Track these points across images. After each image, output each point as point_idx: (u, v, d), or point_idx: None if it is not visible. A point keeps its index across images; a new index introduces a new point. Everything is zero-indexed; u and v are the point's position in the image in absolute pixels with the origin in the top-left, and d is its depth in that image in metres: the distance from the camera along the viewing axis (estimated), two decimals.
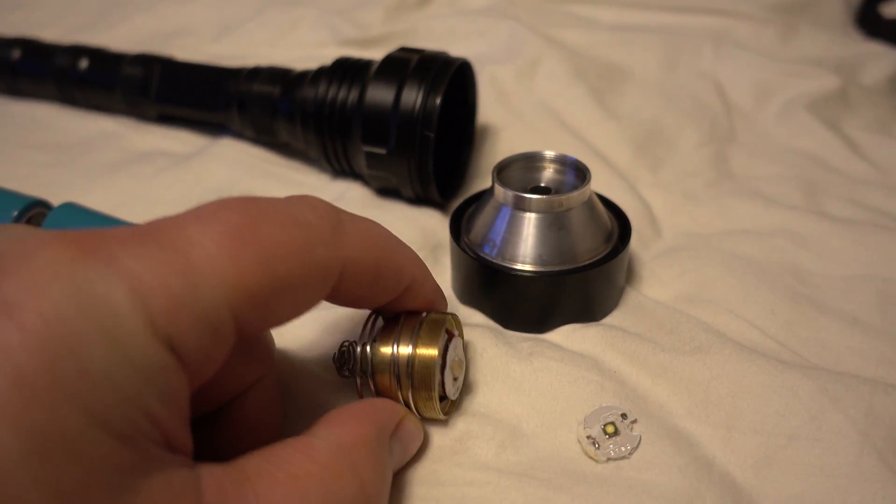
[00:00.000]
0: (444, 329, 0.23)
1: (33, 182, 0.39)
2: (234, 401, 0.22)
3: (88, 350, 0.14)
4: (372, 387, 0.23)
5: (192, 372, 0.16)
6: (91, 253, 0.15)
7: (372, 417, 0.21)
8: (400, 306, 0.24)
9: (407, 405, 0.23)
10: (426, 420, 0.24)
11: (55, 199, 0.34)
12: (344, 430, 0.20)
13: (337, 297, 0.21)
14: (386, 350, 0.23)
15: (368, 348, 0.23)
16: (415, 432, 0.23)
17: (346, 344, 0.24)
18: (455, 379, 0.24)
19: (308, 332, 0.28)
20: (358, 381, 0.23)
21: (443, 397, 0.23)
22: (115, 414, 0.14)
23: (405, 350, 0.22)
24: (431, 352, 0.22)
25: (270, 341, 0.24)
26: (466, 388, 0.25)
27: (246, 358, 0.22)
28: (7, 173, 0.40)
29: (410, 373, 0.22)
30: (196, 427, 0.20)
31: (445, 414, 0.24)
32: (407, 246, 0.23)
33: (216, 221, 0.17)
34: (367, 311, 0.25)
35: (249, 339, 0.22)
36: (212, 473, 0.16)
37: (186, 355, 0.16)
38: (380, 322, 0.24)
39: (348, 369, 0.23)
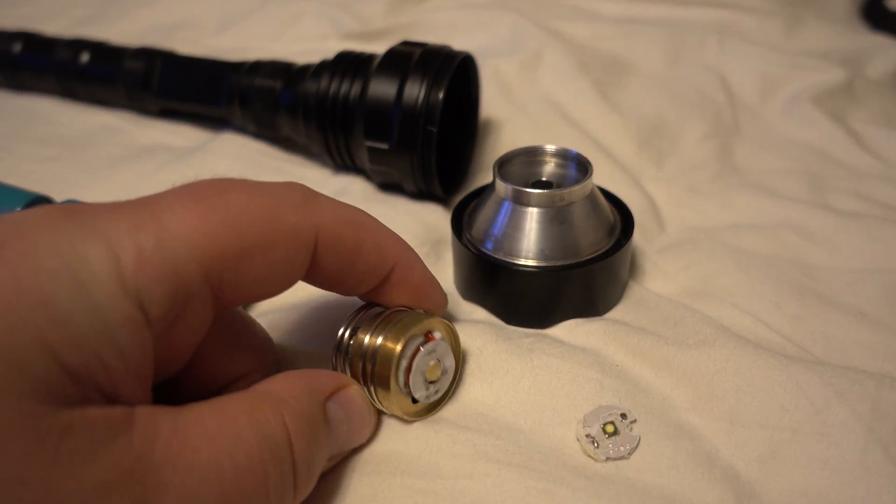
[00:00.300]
0: (418, 327, 0.23)
1: (36, 177, 0.39)
2: (225, 389, 0.22)
3: (55, 288, 0.15)
4: (348, 372, 0.23)
5: (160, 330, 0.17)
6: (75, 216, 0.17)
7: (305, 378, 0.21)
8: (390, 294, 0.24)
9: (372, 398, 0.23)
10: (396, 417, 0.24)
11: (57, 195, 0.34)
12: (273, 383, 0.20)
13: (318, 275, 0.22)
14: (361, 337, 0.23)
15: (347, 333, 0.23)
16: (358, 401, 0.22)
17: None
18: (431, 383, 0.23)
19: (322, 327, 0.28)
20: (340, 365, 0.23)
21: (414, 399, 0.23)
22: (68, 348, 0.15)
23: (373, 340, 0.23)
24: (392, 346, 0.22)
25: (267, 337, 0.25)
26: (464, 385, 0.25)
27: (237, 346, 0.23)
28: (9, 168, 0.40)
29: (372, 365, 0.22)
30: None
31: (414, 416, 0.23)
32: (390, 230, 0.23)
33: (188, 191, 0.19)
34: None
35: (234, 332, 0.23)
36: (149, 412, 0.17)
37: (154, 311, 0.17)
38: (372, 312, 0.24)
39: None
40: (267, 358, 0.24)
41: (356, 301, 0.25)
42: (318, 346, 0.27)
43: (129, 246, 0.17)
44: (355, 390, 0.22)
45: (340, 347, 0.23)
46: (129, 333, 0.16)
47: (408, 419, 0.23)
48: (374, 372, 0.22)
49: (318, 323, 0.28)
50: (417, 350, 0.23)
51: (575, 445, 0.23)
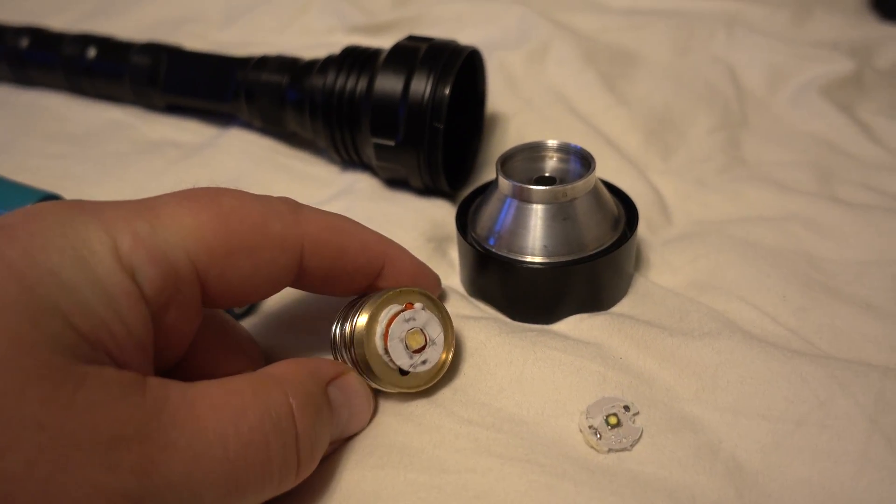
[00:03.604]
0: (392, 295, 0.24)
1: (45, 174, 0.39)
2: None
3: (61, 261, 0.17)
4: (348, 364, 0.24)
5: (155, 309, 0.19)
6: (78, 206, 0.19)
7: (307, 364, 0.22)
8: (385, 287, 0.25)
9: (364, 377, 0.24)
10: (391, 393, 0.24)
11: (67, 192, 0.34)
12: (276, 367, 0.22)
13: (309, 280, 0.23)
14: (345, 326, 0.24)
15: (338, 329, 0.24)
16: (356, 386, 0.23)
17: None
18: (417, 351, 0.24)
19: (318, 327, 0.28)
20: (338, 359, 0.24)
21: (403, 371, 0.24)
22: (77, 314, 0.17)
23: (348, 325, 0.24)
24: (361, 320, 0.23)
25: (255, 342, 0.26)
26: (467, 377, 0.25)
27: (228, 347, 0.24)
28: (19, 164, 0.41)
29: (351, 343, 0.23)
30: None
31: (408, 388, 0.24)
32: (374, 231, 0.25)
33: (184, 193, 0.21)
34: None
35: (227, 333, 0.24)
36: (159, 381, 0.18)
37: (147, 289, 0.18)
38: (355, 302, 0.25)
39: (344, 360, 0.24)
40: (256, 360, 0.25)
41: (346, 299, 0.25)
42: (311, 344, 0.27)
43: (125, 230, 0.18)
44: (354, 376, 0.23)
45: (333, 342, 0.24)
46: (129, 305, 0.18)
47: (405, 391, 0.24)
48: (352, 342, 0.23)
49: (313, 322, 0.28)
50: (394, 318, 0.23)
51: (578, 437, 0.23)
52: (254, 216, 0.21)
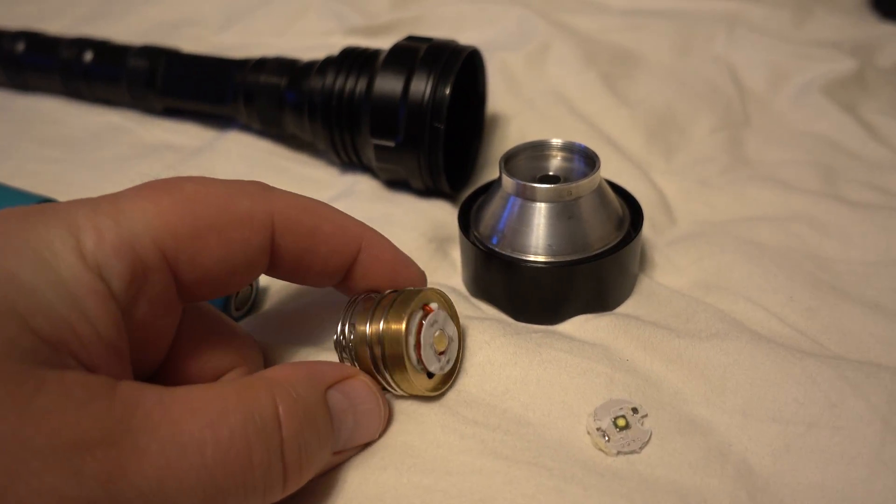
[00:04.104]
0: (415, 302, 0.23)
1: (42, 178, 0.39)
2: None
3: (20, 264, 0.17)
4: (355, 366, 0.23)
5: (125, 303, 0.18)
6: (40, 210, 0.18)
7: (306, 366, 0.21)
8: (364, 278, 0.24)
9: (389, 384, 0.23)
10: (415, 397, 0.24)
11: (64, 197, 0.34)
12: (271, 370, 0.21)
13: (281, 264, 0.22)
14: (361, 329, 0.23)
15: (347, 328, 0.23)
16: (363, 391, 0.22)
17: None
18: (441, 353, 0.23)
19: (314, 326, 0.28)
20: (346, 360, 0.23)
21: (429, 373, 0.23)
22: (37, 315, 0.16)
23: (376, 327, 0.23)
24: (397, 326, 0.22)
25: (249, 338, 0.25)
26: (472, 378, 0.25)
27: (215, 343, 0.23)
28: (15, 169, 0.40)
29: (382, 350, 0.22)
30: None
31: (434, 390, 0.23)
32: (350, 216, 0.24)
33: (147, 185, 0.20)
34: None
35: (213, 330, 0.23)
36: (132, 384, 0.17)
37: (115, 284, 0.18)
38: (363, 302, 0.24)
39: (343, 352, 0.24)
40: (250, 354, 0.24)
41: (345, 298, 0.25)
42: (312, 344, 0.27)
43: (88, 226, 0.18)
44: (362, 381, 0.22)
45: (341, 343, 0.23)
46: (96, 304, 0.17)
47: (429, 394, 0.23)
48: (385, 355, 0.22)
49: (309, 322, 0.28)
50: (420, 325, 0.23)
51: (585, 439, 0.23)
52: (218, 197, 0.20)
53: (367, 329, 0.23)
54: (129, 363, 0.19)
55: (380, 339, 0.22)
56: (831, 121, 0.41)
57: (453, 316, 0.25)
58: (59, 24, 0.56)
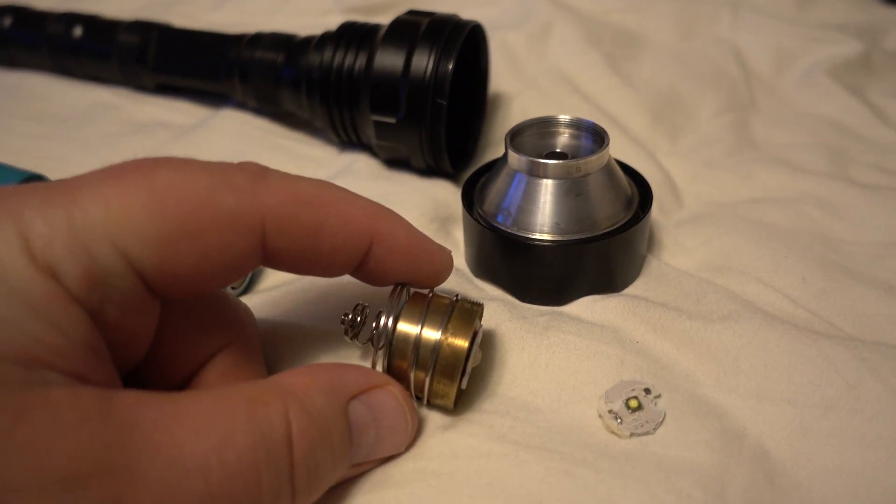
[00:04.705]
0: (477, 320, 0.22)
1: (30, 155, 0.38)
2: (203, 370, 0.21)
3: None
4: (384, 361, 0.22)
5: (89, 306, 0.16)
6: None
7: (327, 372, 0.19)
8: (383, 269, 0.21)
9: (418, 389, 0.22)
10: (433, 407, 0.23)
11: (51, 174, 0.33)
12: (289, 375, 0.18)
13: (279, 261, 0.19)
14: (410, 329, 0.21)
15: (391, 321, 0.21)
16: (391, 403, 0.20)
17: (360, 306, 0.22)
18: (472, 369, 0.22)
19: (324, 301, 0.27)
20: (374, 351, 0.22)
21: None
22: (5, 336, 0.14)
23: (432, 335, 0.21)
24: (462, 343, 0.21)
25: (241, 307, 0.23)
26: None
27: (203, 326, 0.21)
28: (2, 145, 0.39)
29: (435, 359, 0.21)
30: None
31: (455, 401, 0.22)
32: (362, 199, 0.21)
33: (112, 170, 0.17)
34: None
35: (198, 309, 0.21)
36: (130, 397, 0.16)
37: (73, 287, 0.16)
38: (405, 295, 0.22)
39: (355, 334, 0.22)
40: (244, 330, 0.22)
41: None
42: (316, 320, 0.26)
43: (38, 222, 0.16)
44: (390, 392, 0.20)
45: (381, 336, 0.21)
46: (58, 308, 0.15)
47: (452, 408, 0.22)
48: (437, 365, 0.21)
49: (313, 298, 0.27)
50: (472, 348, 0.22)
51: (597, 422, 0.22)
52: (197, 192, 0.17)
53: (420, 332, 0.21)
54: (112, 366, 0.17)
55: (436, 348, 0.21)
56: (838, 103, 0.41)
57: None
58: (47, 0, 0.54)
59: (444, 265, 0.23)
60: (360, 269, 0.21)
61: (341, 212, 0.20)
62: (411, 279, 0.22)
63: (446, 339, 0.21)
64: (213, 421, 0.16)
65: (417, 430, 0.22)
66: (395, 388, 0.20)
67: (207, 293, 0.20)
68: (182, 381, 0.21)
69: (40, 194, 0.16)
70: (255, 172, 0.19)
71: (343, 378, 0.19)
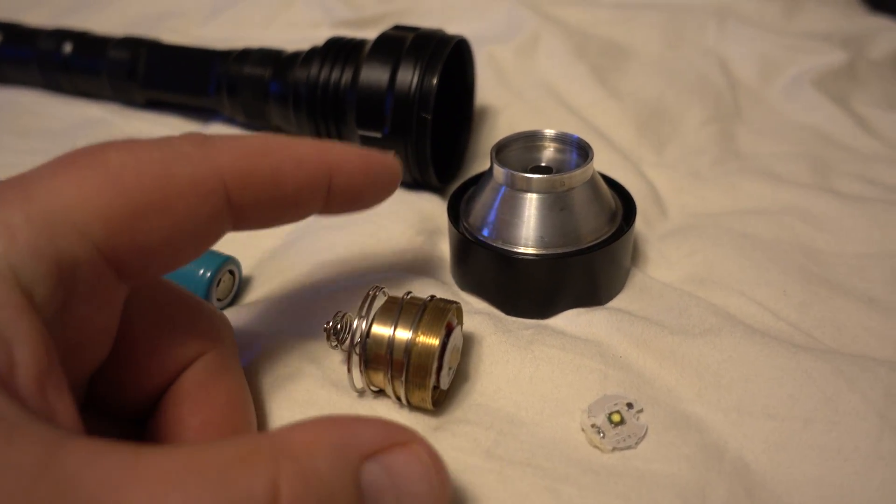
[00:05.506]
0: (448, 318, 0.22)
1: (18, 170, 0.37)
2: (177, 381, 0.20)
3: None
4: (361, 365, 0.22)
5: (53, 311, 0.15)
6: None
7: (338, 428, 0.15)
8: (345, 196, 0.21)
9: (395, 391, 0.22)
10: (413, 408, 0.23)
11: None
12: (290, 430, 0.15)
13: (248, 218, 0.19)
14: (383, 331, 0.22)
15: (364, 324, 0.22)
16: (415, 469, 0.16)
17: (341, 315, 0.23)
18: (450, 369, 0.23)
19: (313, 305, 0.27)
20: (347, 355, 0.22)
21: (434, 387, 0.23)
22: None
23: (404, 335, 0.22)
24: (432, 341, 0.22)
25: (216, 315, 0.22)
26: (463, 377, 0.24)
27: (175, 327, 0.20)
28: None
29: (407, 359, 0.21)
30: (142, 426, 0.19)
31: (434, 404, 0.23)
32: (311, 140, 0.21)
33: (63, 159, 0.17)
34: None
35: (172, 316, 0.21)
36: (83, 445, 0.13)
37: (39, 292, 0.15)
38: (381, 298, 0.23)
39: (338, 341, 0.23)
40: (219, 337, 0.22)
41: (347, 287, 0.24)
42: (301, 333, 0.26)
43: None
44: (415, 451, 0.16)
45: (356, 342, 0.22)
46: (9, 321, 0.14)
47: (432, 408, 0.23)
48: (409, 370, 0.22)
49: (298, 309, 0.27)
50: (444, 346, 0.22)
51: (580, 436, 0.22)
52: (151, 166, 0.17)
53: (393, 333, 0.22)
54: (65, 388, 0.15)
55: (407, 348, 0.21)
56: (823, 113, 0.41)
57: (461, 323, 0.24)
58: (38, 15, 0.54)
59: (396, 166, 0.23)
60: (328, 204, 0.21)
61: (292, 154, 0.20)
62: (373, 193, 0.23)
63: (417, 337, 0.22)
64: (175, 485, 0.13)
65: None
66: (420, 445, 0.16)
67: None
68: (157, 390, 0.20)
69: None
70: (201, 139, 0.19)
71: (356, 434, 0.16)
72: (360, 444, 0.15)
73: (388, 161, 0.23)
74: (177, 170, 0.17)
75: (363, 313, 0.22)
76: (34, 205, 0.15)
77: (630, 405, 0.23)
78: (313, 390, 0.24)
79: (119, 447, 0.13)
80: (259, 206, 0.19)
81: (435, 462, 0.16)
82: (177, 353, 0.20)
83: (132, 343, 0.19)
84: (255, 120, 0.39)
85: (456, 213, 0.29)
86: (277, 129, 0.40)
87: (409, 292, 0.23)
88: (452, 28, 0.38)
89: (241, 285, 0.30)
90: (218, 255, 0.28)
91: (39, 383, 0.14)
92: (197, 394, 0.20)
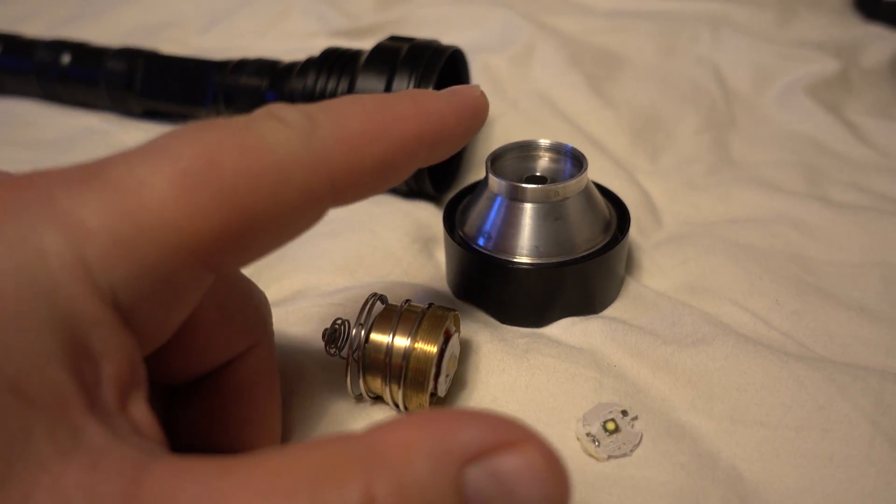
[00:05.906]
0: (446, 326, 0.23)
1: None
2: (221, 370, 0.20)
3: (5, 283, 0.12)
4: (360, 373, 0.22)
5: (145, 328, 0.14)
6: (24, 192, 0.13)
7: (439, 425, 0.13)
8: (437, 157, 0.20)
9: (393, 397, 0.22)
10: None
11: None
12: (383, 430, 0.13)
13: (342, 202, 0.18)
14: (382, 338, 0.22)
15: (363, 332, 0.22)
16: (527, 469, 0.13)
17: (339, 322, 0.23)
18: (447, 376, 0.23)
19: (310, 313, 0.27)
20: (345, 362, 0.23)
21: (432, 394, 0.23)
22: (26, 370, 0.12)
23: (402, 342, 0.22)
24: (430, 349, 0.22)
25: (264, 307, 0.22)
26: (460, 386, 0.25)
27: (233, 318, 0.20)
28: None
29: (405, 367, 0.22)
30: (179, 398, 0.19)
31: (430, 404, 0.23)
32: (404, 105, 0.18)
33: (168, 157, 0.14)
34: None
35: (233, 304, 0.20)
36: (170, 465, 0.12)
37: (135, 310, 0.14)
38: (378, 306, 0.23)
39: (336, 348, 0.23)
40: (266, 330, 0.21)
41: (344, 294, 0.24)
42: (303, 340, 0.26)
43: (97, 230, 0.13)
44: (527, 452, 0.13)
45: (354, 349, 0.22)
46: (104, 339, 0.13)
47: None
48: (406, 377, 0.22)
49: (307, 321, 0.27)
50: (442, 353, 0.22)
51: (575, 445, 0.22)
52: (269, 177, 0.15)
53: (391, 341, 0.22)
54: (145, 397, 0.14)
55: (405, 355, 0.22)
56: (816, 121, 0.41)
57: (458, 331, 0.24)
58: (36, 26, 0.55)
59: (483, 102, 0.21)
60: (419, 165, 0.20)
61: (398, 135, 0.18)
62: (465, 139, 0.21)
63: (416, 345, 0.22)
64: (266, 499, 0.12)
65: None
66: (533, 445, 0.13)
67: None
68: (206, 375, 0.20)
69: (96, 194, 0.13)
70: (306, 131, 0.16)
71: (457, 433, 0.13)
72: (462, 445, 0.13)
73: (478, 102, 0.21)
74: (292, 179, 0.15)
75: (361, 320, 0.23)
76: (145, 217, 0.14)
77: (625, 412, 0.23)
78: (311, 397, 0.24)
79: (203, 466, 0.12)
80: (357, 193, 0.18)
81: (551, 464, 0.13)
82: (234, 340, 0.20)
83: (195, 325, 0.18)
84: None
85: (452, 223, 0.29)
86: None
87: (407, 300, 0.24)
88: (448, 37, 0.38)
89: None
90: None
91: (123, 397, 0.13)
92: (244, 389, 0.20)
